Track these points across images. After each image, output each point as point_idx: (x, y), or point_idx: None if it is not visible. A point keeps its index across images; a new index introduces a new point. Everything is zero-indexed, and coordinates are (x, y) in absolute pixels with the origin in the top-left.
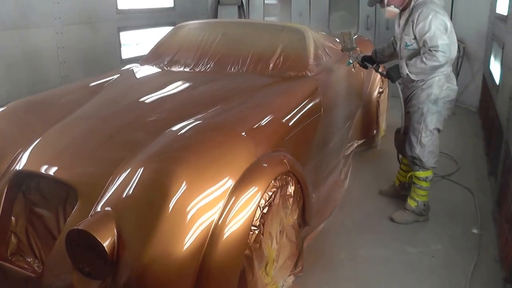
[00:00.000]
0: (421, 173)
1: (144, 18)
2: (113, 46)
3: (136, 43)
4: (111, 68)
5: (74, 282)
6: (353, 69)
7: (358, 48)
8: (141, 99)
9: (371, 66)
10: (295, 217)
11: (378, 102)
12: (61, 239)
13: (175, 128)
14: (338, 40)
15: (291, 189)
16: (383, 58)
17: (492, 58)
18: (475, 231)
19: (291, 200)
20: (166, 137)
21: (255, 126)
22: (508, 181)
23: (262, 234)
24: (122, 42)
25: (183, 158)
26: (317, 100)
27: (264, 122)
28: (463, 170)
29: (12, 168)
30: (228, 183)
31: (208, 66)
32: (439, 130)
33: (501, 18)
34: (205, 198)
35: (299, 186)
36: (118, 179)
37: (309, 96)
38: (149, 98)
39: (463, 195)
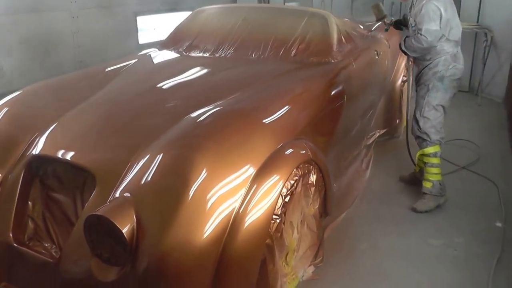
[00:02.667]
0: (429, 149)
1: (162, 2)
2: (130, 30)
3: (154, 28)
4: (127, 54)
5: (93, 268)
6: (377, 56)
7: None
8: (159, 85)
9: (405, 27)
10: (316, 206)
11: (401, 91)
12: (79, 224)
13: (194, 114)
14: (362, 27)
15: (313, 178)
16: None
17: None
18: (499, 224)
19: (313, 189)
20: (185, 123)
21: (276, 113)
22: None
23: (283, 223)
24: (139, 27)
25: (203, 145)
26: (340, 88)
27: (285, 109)
28: (487, 162)
29: (28, 152)
30: (249, 170)
31: (228, 51)
32: (444, 109)
33: None
34: (226, 186)
35: (321, 175)
36: (136, 165)
37: (332, 84)
38: (168, 84)
39: (487, 188)
